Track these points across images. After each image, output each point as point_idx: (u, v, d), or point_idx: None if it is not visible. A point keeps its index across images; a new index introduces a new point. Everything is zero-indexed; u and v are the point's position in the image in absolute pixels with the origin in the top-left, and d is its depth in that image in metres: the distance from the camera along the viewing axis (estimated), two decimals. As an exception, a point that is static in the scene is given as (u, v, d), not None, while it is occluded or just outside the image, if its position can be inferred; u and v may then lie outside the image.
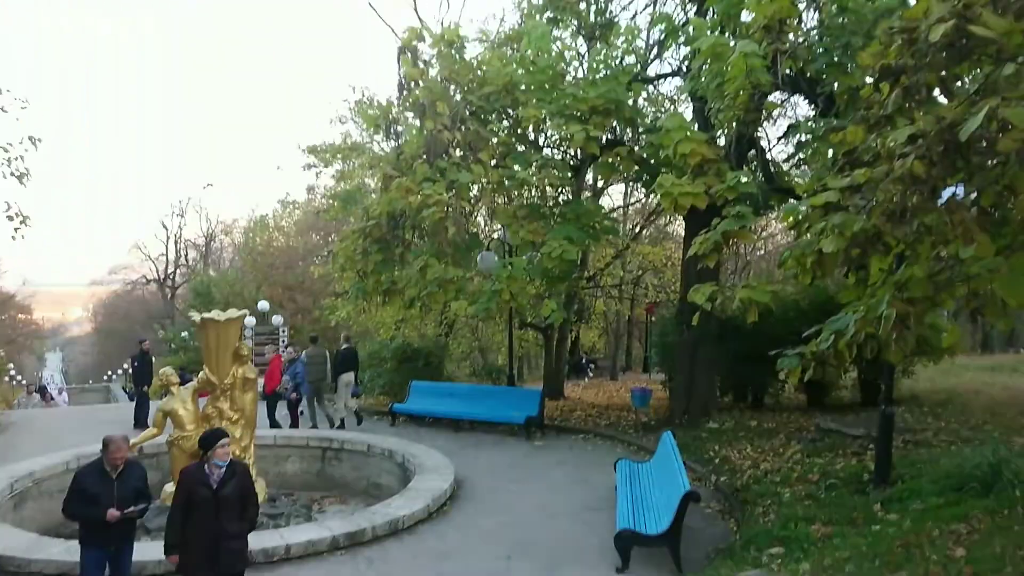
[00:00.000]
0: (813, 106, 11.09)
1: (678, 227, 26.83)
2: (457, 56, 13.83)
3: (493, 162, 13.61)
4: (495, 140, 13.40)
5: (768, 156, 13.35)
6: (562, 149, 15.03)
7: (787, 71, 10.42)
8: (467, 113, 13.28)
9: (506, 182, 12.91)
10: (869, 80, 5.01)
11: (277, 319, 28.73)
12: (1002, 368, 20.73)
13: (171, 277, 65.51)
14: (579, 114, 12.50)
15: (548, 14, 15.81)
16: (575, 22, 16.02)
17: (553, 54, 13.86)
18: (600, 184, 21.36)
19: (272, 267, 36.01)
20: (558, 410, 17.00)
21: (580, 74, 14.97)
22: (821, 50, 9.87)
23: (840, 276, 6.33)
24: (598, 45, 14.65)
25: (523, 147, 13.95)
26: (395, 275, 13.81)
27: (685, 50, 13.64)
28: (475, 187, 14.58)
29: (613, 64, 13.94)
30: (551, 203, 14.60)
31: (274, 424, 14.49)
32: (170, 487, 9.69)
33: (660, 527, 7.56)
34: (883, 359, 5.21)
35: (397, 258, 13.82)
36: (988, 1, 3.97)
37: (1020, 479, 6.75)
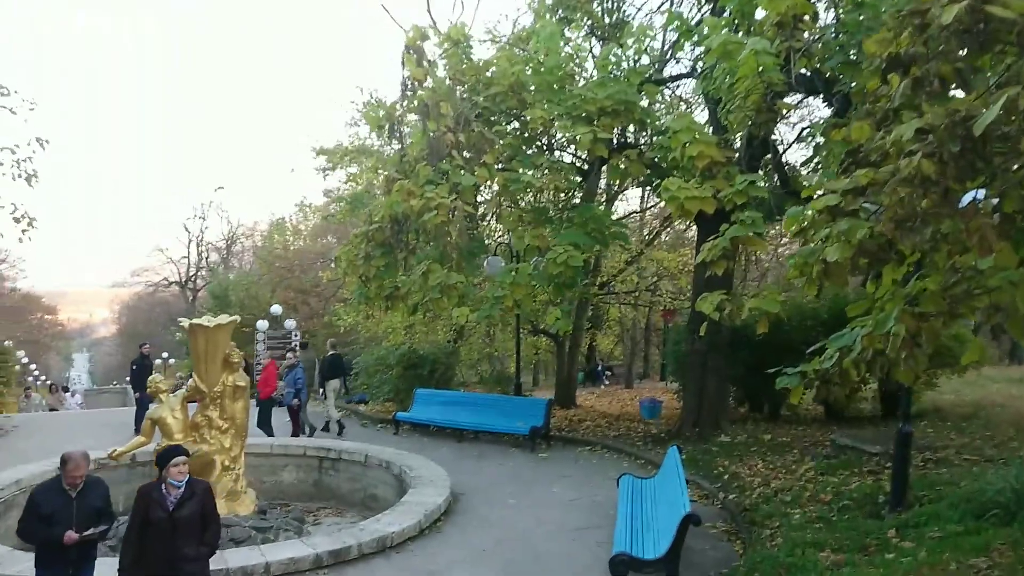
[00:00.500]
0: (829, 107, 10.60)
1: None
2: (463, 56, 13.48)
3: (499, 165, 13.23)
4: (501, 142, 12.99)
5: (784, 159, 12.86)
6: (571, 152, 14.62)
7: (802, 70, 9.95)
8: (473, 114, 12.92)
9: (510, 185, 12.48)
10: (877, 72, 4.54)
11: (290, 323, 28.47)
12: (1030, 380, 19.95)
13: (192, 280, 65.83)
14: (587, 115, 12.10)
15: (559, 14, 15.43)
16: (587, 22, 15.61)
17: (563, 55, 13.46)
18: (615, 188, 20.93)
19: (288, 271, 35.88)
20: (567, 420, 16.58)
21: (591, 75, 14.55)
22: (837, 47, 9.36)
23: (859, 286, 5.88)
24: (610, 45, 14.21)
25: (530, 149, 13.54)
26: (398, 280, 13.46)
27: (699, 51, 13.20)
28: (484, 190, 14.24)
29: (624, 64, 13.51)
30: (558, 207, 14.17)
31: (267, 431, 14.22)
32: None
33: (658, 551, 7.11)
34: (886, 382, 4.74)
35: (400, 263, 13.46)
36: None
37: (1046, 507, 6.25)
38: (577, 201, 14.20)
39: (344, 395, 15.31)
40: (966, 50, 3.79)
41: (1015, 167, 3.93)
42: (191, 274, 65.91)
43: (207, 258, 66.21)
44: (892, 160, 3.64)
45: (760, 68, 9.25)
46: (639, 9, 24.17)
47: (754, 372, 13.79)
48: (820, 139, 11.33)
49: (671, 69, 16.16)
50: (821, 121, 11.11)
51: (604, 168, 15.33)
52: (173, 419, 9.62)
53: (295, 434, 14.46)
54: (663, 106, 17.12)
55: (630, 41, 14.00)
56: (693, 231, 28.24)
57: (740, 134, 10.76)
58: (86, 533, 5.45)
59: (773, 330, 7.76)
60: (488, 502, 10.08)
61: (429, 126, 12.50)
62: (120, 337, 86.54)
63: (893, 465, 8.15)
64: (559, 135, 13.75)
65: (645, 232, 26.63)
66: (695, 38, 12.99)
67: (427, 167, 12.43)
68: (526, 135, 13.66)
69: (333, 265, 33.28)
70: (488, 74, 13.40)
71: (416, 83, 12.97)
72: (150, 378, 10.14)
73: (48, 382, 38.17)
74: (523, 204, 13.92)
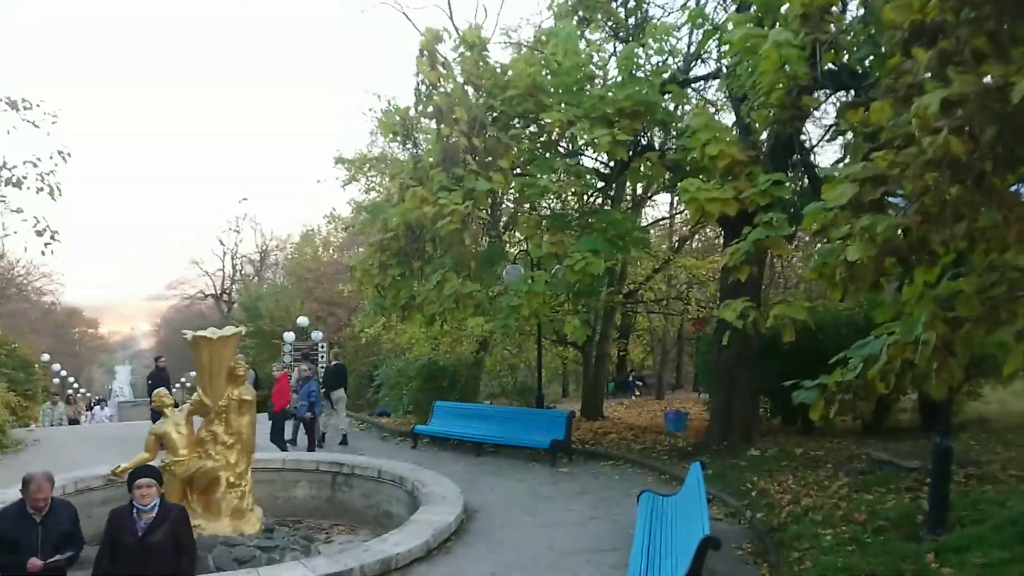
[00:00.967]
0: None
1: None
2: (479, 59, 13.12)
3: (517, 170, 12.84)
4: (517, 147, 12.58)
5: (815, 161, 12.29)
6: (592, 155, 14.17)
7: (829, 65, 9.41)
8: (489, 118, 12.54)
9: (527, 191, 12.07)
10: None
11: (317, 335, 28.39)
12: (1083, 389, 18.96)
13: (228, 292, 66.39)
14: (606, 117, 11.66)
15: (579, 15, 15.01)
16: (608, 22, 15.17)
17: (582, 55, 13.04)
18: (640, 193, 20.43)
19: (316, 282, 35.86)
20: (591, 432, 16.06)
21: (612, 77, 14.11)
22: (864, 37, 8.82)
23: (895, 291, 5.35)
24: (631, 44, 13.76)
25: (548, 153, 13.11)
26: (414, 290, 13.11)
27: (724, 49, 12.69)
28: (503, 196, 13.84)
29: (645, 64, 13.06)
30: (577, 213, 13.72)
31: (280, 445, 13.95)
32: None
33: (676, 576, 6.62)
34: (924, 392, 4.23)
35: (416, 272, 13.11)
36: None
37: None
38: (599, 206, 13.76)
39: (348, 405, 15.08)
40: (1002, 16, 3.28)
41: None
42: (226, 286, 66.51)
43: (241, 270, 66.81)
44: (919, 138, 3.13)
45: (784, 62, 8.75)
46: (663, 9, 23.57)
47: (785, 382, 13.20)
48: (838, 124, 10.74)
49: (697, 70, 15.68)
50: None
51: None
52: (178, 434, 9.37)
53: (311, 448, 14.15)
54: (689, 109, 16.61)
55: (652, 41, 13.56)
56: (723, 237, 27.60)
57: (762, 132, 10.20)
58: (51, 560, 5.11)
59: (806, 338, 7.25)
60: (502, 521, 9.64)
61: (443, 131, 12.15)
62: (159, 349, 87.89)
63: (931, 483, 7.55)
64: (579, 138, 13.32)
65: (674, 239, 26.00)
66: (719, 35, 12.53)
67: (441, 173, 12.07)
68: (543, 139, 13.24)
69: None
70: (504, 77, 13.02)
71: (430, 87, 12.64)
72: (155, 392, 9.90)
73: (67, 392, 38.34)
74: (541, 210, 13.50)
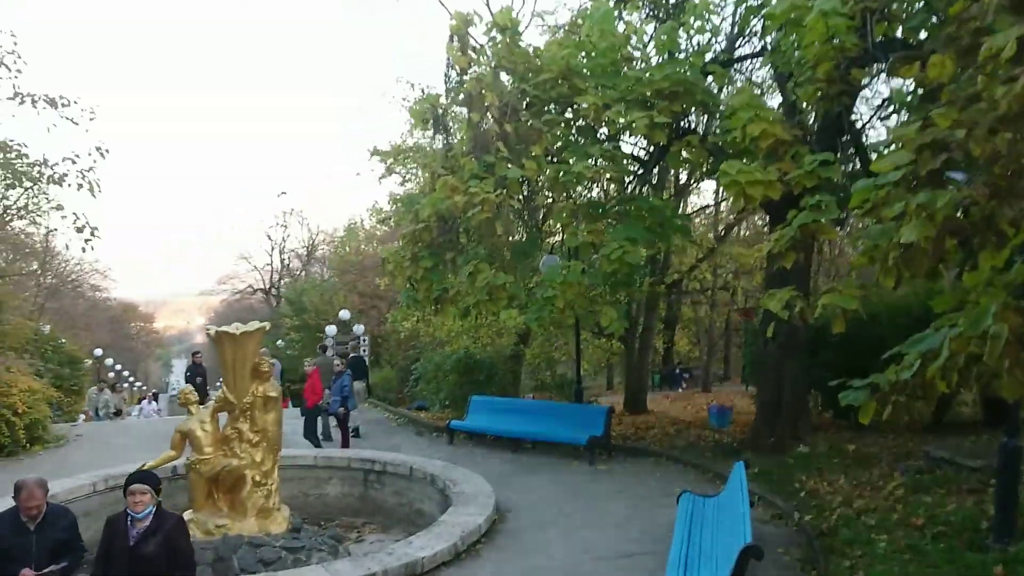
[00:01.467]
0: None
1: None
2: (511, 42, 12.67)
3: (551, 158, 12.37)
4: (550, 133, 12.10)
5: (864, 140, 11.59)
6: (630, 141, 13.62)
7: (880, 37, 8.76)
8: (522, 104, 12.09)
9: (562, 178, 11.59)
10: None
11: (358, 328, 28.33)
12: None
13: (277, 286, 67.18)
14: (643, 99, 11.13)
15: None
16: (646, 2, 14.57)
17: (618, 36, 12.50)
18: (683, 180, 19.78)
19: (359, 275, 35.87)
20: (634, 427, 15.55)
21: (650, 58, 13.53)
22: (919, 3, 8.16)
23: (955, 278, 4.80)
24: (670, 23, 13.16)
25: (583, 139, 12.61)
26: (447, 282, 12.77)
27: (767, 24, 12.04)
28: (537, 184, 13.39)
29: (687, 44, 12.47)
30: (614, 200, 13.19)
31: (314, 441, 13.75)
32: (188, 514, 8.94)
33: (714, 587, 6.16)
34: (992, 392, 3.70)
35: (449, 263, 12.75)
36: None
37: None
38: (637, 193, 13.22)
39: (367, 398, 14.81)
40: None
41: None
42: (275, 281, 67.30)
43: (288, 265, 67.53)
44: (987, 94, 2.60)
45: (831, 33, 8.16)
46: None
47: (838, 376, 12.53)
48: (905, 114, 10.08)
49: (742, 50, 14.98)
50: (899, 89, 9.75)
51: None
52: (202, 432, 9.19)
53: (344, 444, 13.93)
54: (733, 90, 15.93)
55: (693, 19, 12.94)
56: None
57: (810, 109, 9.58)
58: (46, 570, 4.84)
59: (859, 328, 6.68)
60: (535, 522, 9.24)
61: (473, 117, 11.75)
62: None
63: (998, 485, 6.93)
64: (615, 122, 12.80)
65: (720, 228, 25.24)
66: (763, 10, 11.88)
67: (472, 161, 11.68)
68: (578, 124, 12.74)
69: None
70: (537, 61, 12.56)
71: (461, 72, 12.25)
72: (180, 389, 9.73)
73: (114, 381, 38.89)
74: (577, 198, 13.01)
